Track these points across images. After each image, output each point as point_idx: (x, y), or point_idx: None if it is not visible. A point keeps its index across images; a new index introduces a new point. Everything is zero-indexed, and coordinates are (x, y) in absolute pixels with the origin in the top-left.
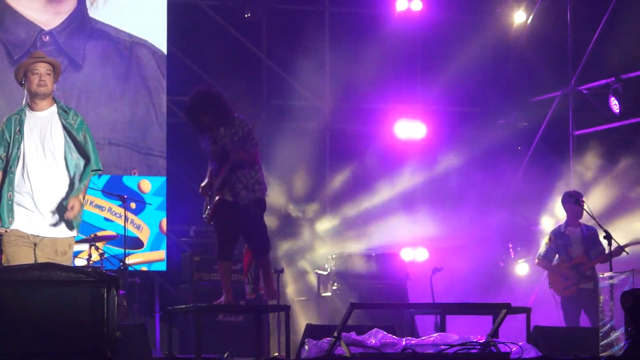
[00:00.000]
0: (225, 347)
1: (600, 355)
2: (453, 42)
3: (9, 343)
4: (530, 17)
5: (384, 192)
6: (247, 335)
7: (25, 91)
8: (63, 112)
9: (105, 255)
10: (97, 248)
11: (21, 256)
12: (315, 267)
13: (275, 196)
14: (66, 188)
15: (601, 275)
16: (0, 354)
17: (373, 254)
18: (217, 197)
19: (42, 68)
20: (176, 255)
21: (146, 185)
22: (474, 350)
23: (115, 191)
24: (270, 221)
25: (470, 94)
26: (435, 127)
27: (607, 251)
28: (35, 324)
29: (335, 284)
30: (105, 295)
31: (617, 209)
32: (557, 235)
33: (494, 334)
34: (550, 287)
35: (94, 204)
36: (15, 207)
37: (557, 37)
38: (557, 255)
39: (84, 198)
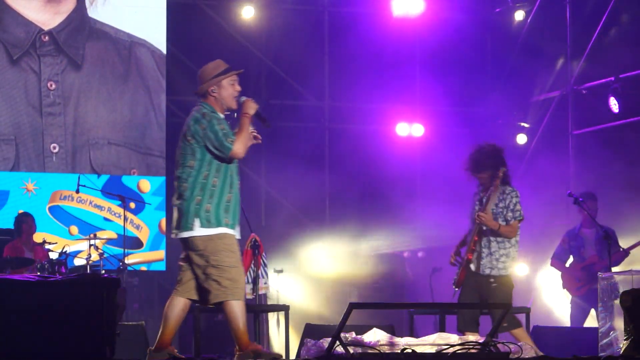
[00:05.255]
0: (225, 347)
1: (600, 355)
2: (452, 42)
3: (9, 343)
4: (530, 17)
5: (383, 192)
6: None
7: (215, 97)
8: None
9: (105, 255)
10: (96, 248)
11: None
12: (315, 267)
13: (275, 196)
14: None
15: (601, 275)
16: (0, 353)
17: (373, 254)
18: (464, 262)
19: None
20: (175, 255)
21: (145, 185)
22: (473, 350)
23: (115, 191)
24: (272, 222)
25: (469, 94)
26: (434, 127)
27: (621, 250)
28: (35, 324)
29: (335, 284)
30: (105, 295)
31: (616, 209)
32: (571, 236)
33: (494, 333)
34: (563, 287)
35: (93, 203)
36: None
37: (556, 36)
38: (571, 257)
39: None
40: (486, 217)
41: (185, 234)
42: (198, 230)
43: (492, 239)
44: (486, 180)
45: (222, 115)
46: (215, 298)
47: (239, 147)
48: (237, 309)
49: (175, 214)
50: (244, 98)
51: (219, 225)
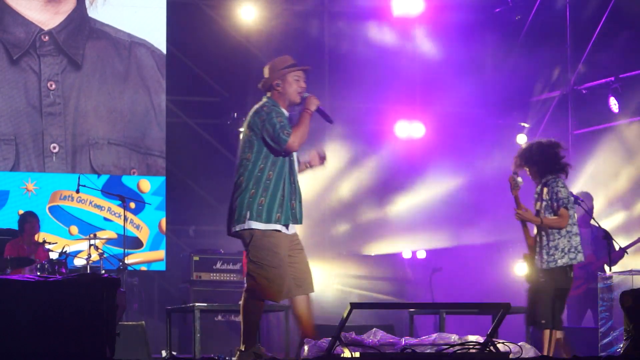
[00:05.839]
0: (225, 347)
1: (600, 355)
2: (452, 42)
3: (9, 343)
4: (530, 17)
5: (382, 192)
6: None
7: (280, 92)
8: None
9: (105, 255)
10: (96, 248)
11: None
12: (316, 269)
13: None
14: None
15: (601, 275)
16: (1, 353)
17: (373, 254)
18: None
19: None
20: (175, 255)
21: (145, 185)
22: (473, 350)
23: (115, 191)
24: None
25: (469, 94)
26: (434, 127)
27: (616, 249)
28: (35, 324)
29: (335, 284)
30: (105, 295)
31: (616, 209)
32: None
33: (493, 333)
34: None
35: (93, 203)
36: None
37: (556, 36)
38: None
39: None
40: (522, 214)
41: (238, 227)
42: (248, 223)
43: (542, 233)
44: (534, 176)
45: (284, 110)
46: (252, 295)
47: (295, 140)
48: (258, 309)
49: (231, 208)
50: (306, 94)
51: (269, 220)
